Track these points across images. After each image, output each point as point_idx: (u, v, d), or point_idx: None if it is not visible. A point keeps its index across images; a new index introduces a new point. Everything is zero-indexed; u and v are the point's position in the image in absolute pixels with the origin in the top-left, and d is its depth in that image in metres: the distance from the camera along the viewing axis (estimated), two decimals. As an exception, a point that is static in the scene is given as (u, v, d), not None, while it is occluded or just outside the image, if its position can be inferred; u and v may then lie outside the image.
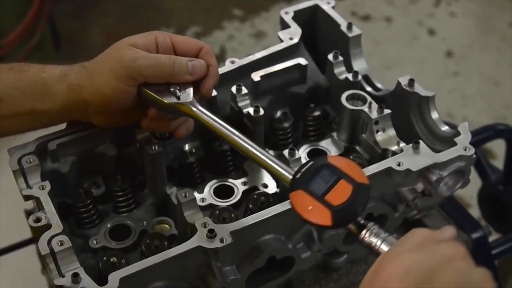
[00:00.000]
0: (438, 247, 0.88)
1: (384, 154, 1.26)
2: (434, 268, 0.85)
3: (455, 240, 0.90)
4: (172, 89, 1.14)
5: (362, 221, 1.00)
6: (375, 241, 0.98)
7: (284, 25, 1.43)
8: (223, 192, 1.29)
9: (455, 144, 1.20)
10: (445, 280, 0.84)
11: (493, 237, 1.59)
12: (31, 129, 1.17)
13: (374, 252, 0.98)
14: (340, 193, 0.98)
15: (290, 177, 1.04)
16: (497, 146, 2.61)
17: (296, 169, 1.04)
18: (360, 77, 1.33)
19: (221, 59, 3.04)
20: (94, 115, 1.16)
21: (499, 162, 1.93)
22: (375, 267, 0.89)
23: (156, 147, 1.23)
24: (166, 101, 1.14)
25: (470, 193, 2.13)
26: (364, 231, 0.99)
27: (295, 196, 1.00)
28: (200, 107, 1.15)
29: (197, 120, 1.15)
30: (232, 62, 1.35)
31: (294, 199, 1.00)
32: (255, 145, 1.12)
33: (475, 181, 1.30)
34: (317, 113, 1.38)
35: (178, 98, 1.14)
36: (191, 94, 1.15)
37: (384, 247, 0.97)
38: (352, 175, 1.00)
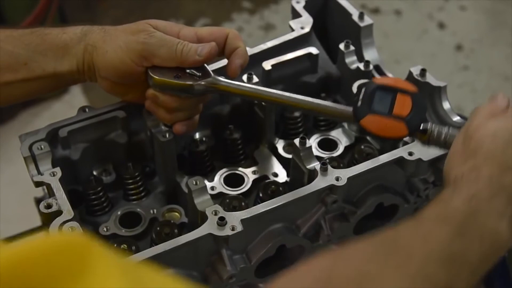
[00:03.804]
0: (509, 113, 0.95)
1: (395, 144, 1.25)
2: None
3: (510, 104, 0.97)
4: (188, 71, 1.14)
5: (421, 127, 1.06)
6: (444, 132, 1.04)
7: (295, 15, 1.42)
8: (233, 180, 1.29)
9: (467, 134, 1.20)
10: None
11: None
12: (54, 89, 1.20)
13: (445, 145, 1.04)
14: (403, 105, 1.06)
15: (349, 110, 1.09)
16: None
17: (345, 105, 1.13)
18: (371, 67, 1.33)
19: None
20: (99, 77, 1.17)
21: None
22: (460, 139, 0.95)
23: (167, 135, 1.22)
24: (189, 83, 1.13)
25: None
26: (430, 131, 1.05)
27: (367, 121, 1.06)
28: (224, 79, 1.15)
29: (225, 92, 1.16)
30: (243, 51, 1.34)
31: (367, 124, 1.06)
32: (302, 96, 1.15)
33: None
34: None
35: (199, 77, 1.14)
36: (210, 70, 1.15)
37: (454, 132, 1.03)
38: (405, 87, 1.07)
